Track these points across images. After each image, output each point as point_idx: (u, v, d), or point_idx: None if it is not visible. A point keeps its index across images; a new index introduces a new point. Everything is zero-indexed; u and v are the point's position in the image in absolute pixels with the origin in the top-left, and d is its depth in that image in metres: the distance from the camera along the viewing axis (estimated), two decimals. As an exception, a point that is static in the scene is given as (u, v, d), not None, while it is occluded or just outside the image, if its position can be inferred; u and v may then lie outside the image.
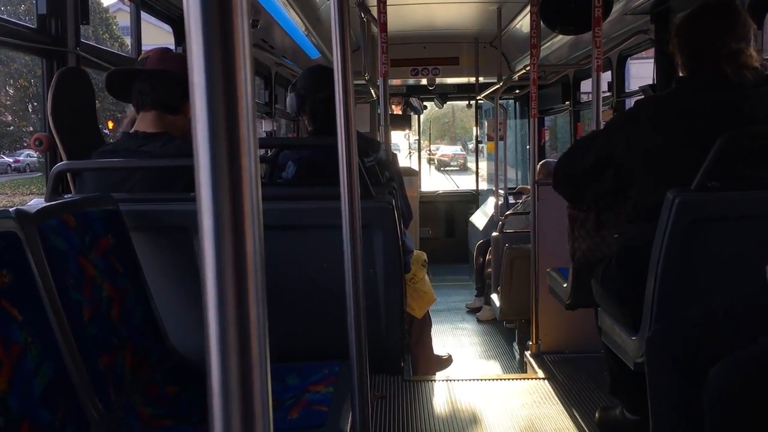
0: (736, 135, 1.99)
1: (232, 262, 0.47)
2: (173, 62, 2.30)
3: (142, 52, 2.45)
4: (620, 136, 2.28)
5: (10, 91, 24.74)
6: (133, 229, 1.95)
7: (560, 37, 5.34)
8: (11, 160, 25.63)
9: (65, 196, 2.01)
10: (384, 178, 2.58)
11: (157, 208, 2.06)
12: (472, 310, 7.05)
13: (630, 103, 5.52)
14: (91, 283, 1.68)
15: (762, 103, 2.11)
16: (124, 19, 24.93)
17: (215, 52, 0.46)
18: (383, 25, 2.76)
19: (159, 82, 2.26)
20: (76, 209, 1.74)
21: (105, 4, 24.64)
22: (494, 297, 5.54)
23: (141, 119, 2.28)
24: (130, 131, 2.29)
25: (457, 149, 36.18)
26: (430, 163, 24.40)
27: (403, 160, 11.92)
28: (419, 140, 12.24)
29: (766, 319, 1.68)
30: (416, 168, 10.10)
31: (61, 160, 2.21)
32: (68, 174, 2.25)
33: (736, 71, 2.13)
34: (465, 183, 13.83)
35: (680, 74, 2.31)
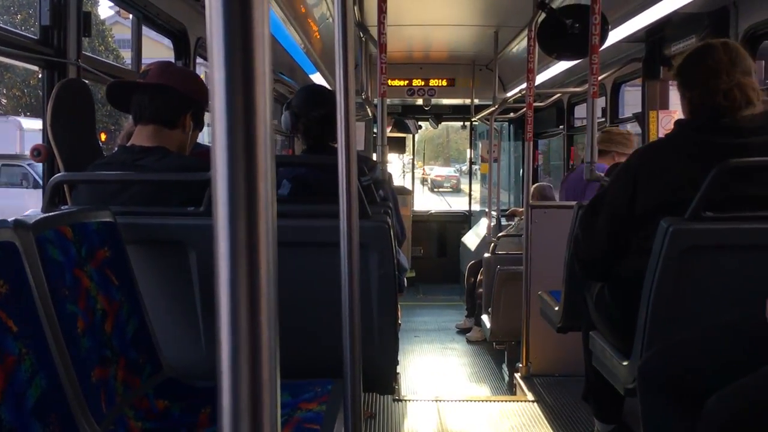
0: (731, 165, 2.00)
1: (246, 283, 0.48)
2: (174, 76, 2.30)
3: (143, 66, 2.46)
4: (627, 184, 2.22)
5: (3, 100, 24.68)
6: (129, 242, 1.95)
7: (556, 61, 5.39)
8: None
9: (62, 208, 2.01)
10: (378, 197, 2.59)
11: (154, 221, 2.06)
12: (462, 331, 7.04)
13: (623, 128, 5.56)
14: (86, 295, 1.67)
15: (762, 150, 2.07)
16: (119, 32, 25.00)
17: (236, 76, 0.47)
18: (383, 47, 2.78)
19: (158, 95, 2.25)
20: (74, 220, 1.73)
21: (102, 17, 24.73)
22: (485, 318, 5.54)
23: (138, 132, 2.27)
24: (127, 144, 2.29)
25: (451, 170, 36.32)
26: (423, 184, 24.47)
27: (397, 180, 12.00)
28: (413, 160, 12.29)
29: (760, 349, 1.69)
30: (410, 187, 10.15)
31: (59, 171, 2.21)
32: (65, 185, 2.25)
33: (733, 104, 2.10)
34: (457, 204, 13.86)
35: (683, 116, 2.28)
